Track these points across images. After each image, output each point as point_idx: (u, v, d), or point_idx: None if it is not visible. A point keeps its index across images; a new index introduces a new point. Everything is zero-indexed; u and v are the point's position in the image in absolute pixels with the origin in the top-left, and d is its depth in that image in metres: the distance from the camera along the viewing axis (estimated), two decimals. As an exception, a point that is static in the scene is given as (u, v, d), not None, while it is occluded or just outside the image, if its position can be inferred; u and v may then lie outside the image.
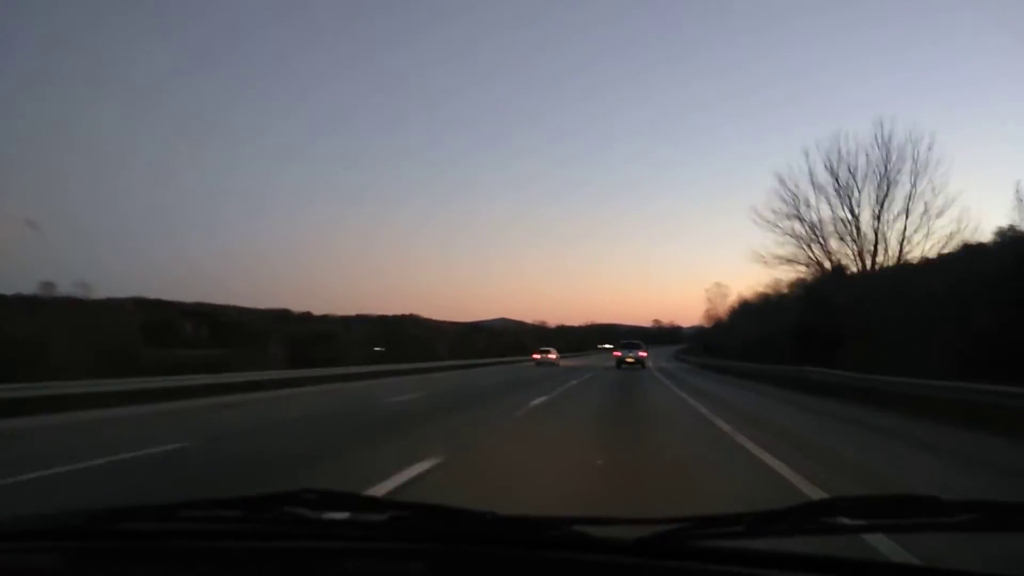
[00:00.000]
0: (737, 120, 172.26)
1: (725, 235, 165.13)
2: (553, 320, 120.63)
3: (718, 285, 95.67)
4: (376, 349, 41.61)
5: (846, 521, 1.13)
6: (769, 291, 50.38)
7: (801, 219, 31.07)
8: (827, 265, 30.90)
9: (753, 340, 38.20)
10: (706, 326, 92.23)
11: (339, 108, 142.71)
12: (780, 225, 31.75)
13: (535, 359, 48.96)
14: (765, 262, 33.73)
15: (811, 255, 31.47)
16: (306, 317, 50.46)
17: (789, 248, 31.89)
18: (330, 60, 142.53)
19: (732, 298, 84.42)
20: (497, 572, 1.11)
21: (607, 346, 76.51)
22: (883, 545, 3.66)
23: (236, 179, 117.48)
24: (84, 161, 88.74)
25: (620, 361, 38.78)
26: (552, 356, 48.53)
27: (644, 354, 39.19)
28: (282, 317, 48.32)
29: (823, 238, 30.75)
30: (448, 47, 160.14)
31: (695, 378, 30.20)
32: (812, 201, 30.55)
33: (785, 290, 41.53)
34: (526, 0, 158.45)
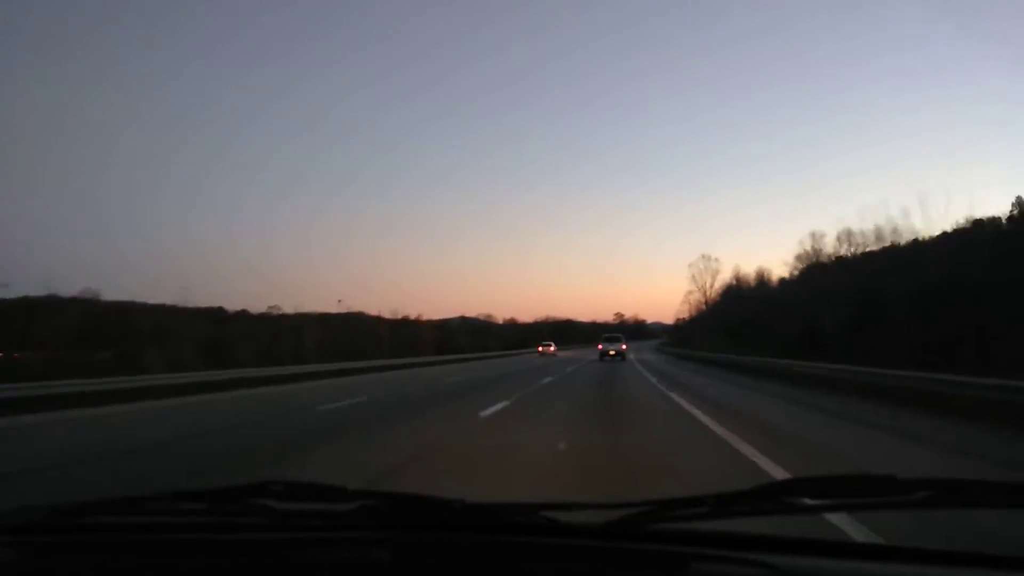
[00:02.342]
0: (695, 112, 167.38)
1: (692, 226, 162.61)
2: (503, 316, 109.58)
3: (706, 258, 73.70)
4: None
5: (807, 501, 1.15)
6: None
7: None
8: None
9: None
10: (684, 317, 78.79)
11: (301, 111, 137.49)
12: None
13: (539, 351, 61.78)
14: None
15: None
16: (240, 316, 44.95)
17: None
18: (287, 64, 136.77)
19: (725, 274, 70.14)
20: (462, 558, 1.12)
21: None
22: (844, 523, 3.70)
23: (212, 184, 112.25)
24: (56, 159, 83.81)
25: (603, 354, 41.28)
26: (551, 349, 62.30)
27: (624, 347, 42.91)
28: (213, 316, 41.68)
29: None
30: (405, 49, 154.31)
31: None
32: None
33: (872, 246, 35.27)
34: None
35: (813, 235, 46.06)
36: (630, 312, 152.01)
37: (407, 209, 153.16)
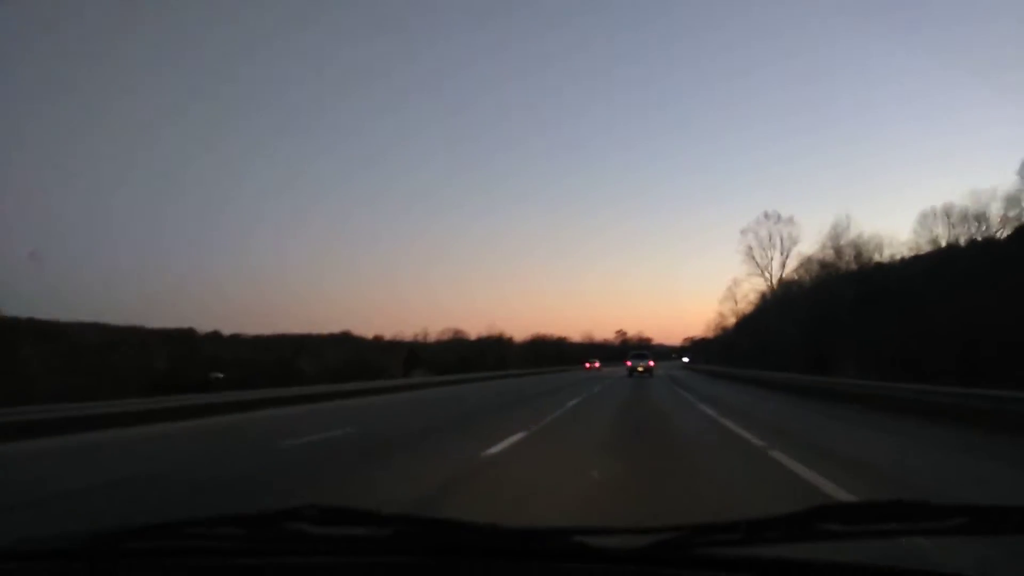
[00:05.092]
0: (699, 127, 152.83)
1: (704, 242, 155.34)
2: (477, 333, 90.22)
3: (770, 218, 46.17)
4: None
5: (838, 527, 1.15)
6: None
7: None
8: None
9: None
10: (701, 336, 68.92)
11: (284, 118, 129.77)
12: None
13: (587, 367, 70.71)
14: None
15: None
16: (212, 337, 43.54)
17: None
18: (268, 73, 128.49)
19: (804, 246, 44.51)
20: None
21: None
22: (878, 550, 3.59)
23: (188, 191, 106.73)
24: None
25: (631, 370, 43.35)
26: (597, 365, 72.54)
27: (652, 364, 45.19)
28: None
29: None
30: (401, 52, 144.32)
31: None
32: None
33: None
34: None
35: None
36: (633, 331, 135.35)
37: (379, 222, 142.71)
